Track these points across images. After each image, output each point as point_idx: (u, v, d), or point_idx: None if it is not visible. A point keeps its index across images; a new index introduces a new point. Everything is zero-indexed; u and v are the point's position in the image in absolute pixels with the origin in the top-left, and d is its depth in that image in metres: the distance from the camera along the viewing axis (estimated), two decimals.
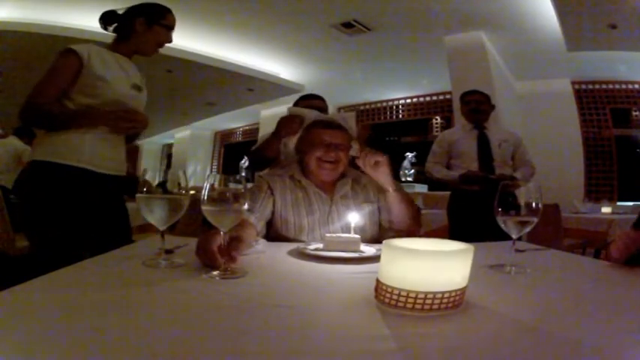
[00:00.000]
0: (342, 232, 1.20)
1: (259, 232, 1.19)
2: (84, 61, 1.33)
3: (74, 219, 1.32)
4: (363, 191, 1.36)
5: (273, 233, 1.29)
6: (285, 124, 1.69)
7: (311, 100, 2.14)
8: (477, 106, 2.62)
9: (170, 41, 1.53)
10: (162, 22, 1.47)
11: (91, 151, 1.35)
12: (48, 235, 1.31)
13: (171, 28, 1.50)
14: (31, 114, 1.32)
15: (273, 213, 1.29)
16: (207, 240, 0.77)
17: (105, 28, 1.49)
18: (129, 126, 1.38)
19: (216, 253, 0.74)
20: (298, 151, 1.40)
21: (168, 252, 0.86)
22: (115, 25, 1.48)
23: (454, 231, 2.62)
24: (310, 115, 1.47)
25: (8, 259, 1.98)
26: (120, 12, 1.48)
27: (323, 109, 2.10)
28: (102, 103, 1.36)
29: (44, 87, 1.31)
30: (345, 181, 1.35)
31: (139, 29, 1.44)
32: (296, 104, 2.20)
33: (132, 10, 1.46)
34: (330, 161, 1.28)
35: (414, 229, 1.31)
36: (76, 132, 1.33)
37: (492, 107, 2.72)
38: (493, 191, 0.87)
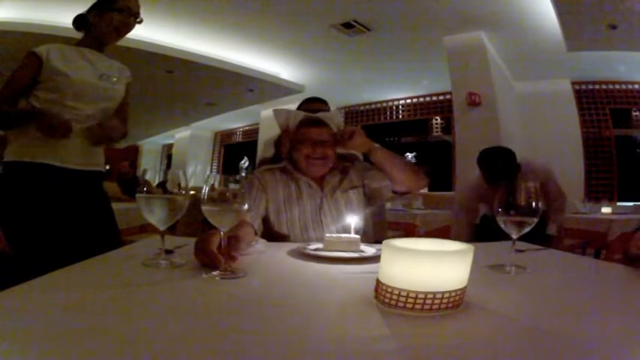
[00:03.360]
0: (335, 226, 1.25)
1: (257, 229, 1.20)
2: (42, 58, 1.37)
3: (43, 218, 1.33)
4: (347, 178, 1.40)
5: (267, 228, 1.31)
6: (283, 142, 1.55)
7: (313, 104, 2.13)
8: (505, 175, 2.21)
9: (129, 23, 1.52)
10: (113, 6, 1.48)
11: (53, 146, 1.36)
12: (19, 235, 1.32)
13: (122, 10, 1.49)
14: None
15: (266, 208, 1.31)
16: (205, 241, 0.77)
17: (78, 30, 1.54)
18: (52, 131, 1.33)
19: (216, 253, 0.74)
20: (289, 148, 1.42)
21: (168, 252, 0.86)
22: (80, 25, 1.53)
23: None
24: (295, 113, 1.45)
25: (8, 259, 1.98)
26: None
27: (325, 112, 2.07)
28: (62, 96, 1.39)
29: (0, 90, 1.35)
30: (334, 173, 1.39)
31: (93, 20, 1.49)
32: (299, 107, 2.19)
33: (90, 7, 1.51)
34: (319, 158, 1.32)
35: (420, 180, 1.35)
36: (30, 130, 1.33)
37: (518, 168, 2.30)
38: None
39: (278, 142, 1.57)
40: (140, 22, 1.56)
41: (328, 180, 1.36)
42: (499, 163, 2.27)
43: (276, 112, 1.49)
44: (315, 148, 1.31)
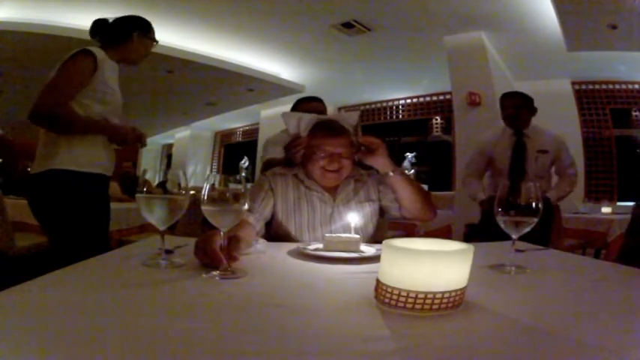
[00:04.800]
0: (343, 233, 1.20)
1: (258, 232, 1.19)
2: (98, 64, 1.38)
3: (90, 218, 1.43)
4: (364, 190, 1.35)
5: (274, 232, 1.29)
6: (293, 150, 1.45)
7: (310, 104, 2.11)
8: (513, 112, 2.42)
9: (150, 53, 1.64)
10: (150, 35, 1.57)
11: (104, 158, 1.47)
12: (69, 234, 1.40)
13: (154, 40, 1.61)
14: (46, 116, 1.32)
15: (273, 212, 1.29)
16: (207, 240, 0.77)
17: (93, 36, 1.54)
18: (131, 143, 1.49)
19: (218, 252, 0.73)
20: (303, 155, 1.36)
21: (168, 252, 0.86)
22: (103, 32, 1.55)
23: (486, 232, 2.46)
24: (307, 118, 1.35)
25: (8, 259, 1.98)
26: (110, 20, 1.56)
27: (322, 112, 2.06)
28: (110, 110, 1.45)
29: (62, 89, 1.32)
30: (348, 182, 1.33)
31: (136, 40, 1.53)
32: (294, 107, 2.17)
33: (127, 21, 1.54)
34: (334, 170, 1.26)
35: (428, 214, 1.29)
36: (91, 143, 1.42)
37: (533, 111, 2.49)
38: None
39: (289, 149, 1.46)
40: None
41: (342, 189, 1.31)
42: (514, 103, 2.45)
43: (286, 115, 1.40)
44: (332, 161, 1.25)
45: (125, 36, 1.52)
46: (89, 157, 1.42)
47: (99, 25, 1.53)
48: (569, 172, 2.47)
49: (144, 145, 1.57)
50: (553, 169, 2.55)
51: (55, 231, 1.43)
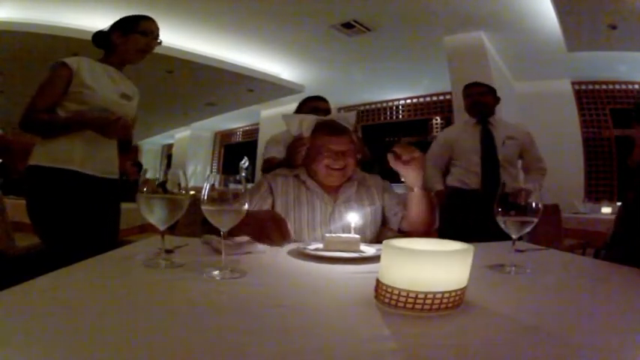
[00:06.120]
0: (344, 232, 1.21)
1: None
2: (73, 71, 1.44)
3: (65, 218, 1.41)
4: (367, 193, 1.36)
5: None
6: (296, 150, 1.43)
7: (317, 102, 2.11)
8: (479, 99, 2.47)
9: (152, 45, 1.60)
10: (136, 29, 1.55)
11: (80, 154, 1.46)
12: (48, 232, 1.43)
13: (146, 33, 1.57)
14: (28, 124, 1.44)
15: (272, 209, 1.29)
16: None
17: (100, 47, 1.60)
18: (115, 132, 1.47)
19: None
20: (306, 156, 1.38)
21: (168, 252, 0.86)
22: (102, 41, 1.60)
23: (448, 230, 2.52)
24: (309, 119, 1.36)
25: (8, 259, 1.98)
26: (106, 30, 1.59)
27: (328, 110, 2.07)
28: (89, 109, 1.46)
29: (38, 99, 1.42)
30: (351, 184, 1.34)
31: (117, 41, 1.55)
32: (301, 105, 2.17)
33: (111, 26, 1.57)
34: (339, 168, 1.28)
35: (428, 229, 1.29)
36: (67, 138, 1.44)
37: (497, 100, 2.54)
38: (493, 190, 0.87)
39: (292, 149, 1.45)
40: (160, 43, 1.62)
41: (344, 190, 1.32)
42: (480, 90, 2.54)
43: (287, 117, 1.41)
44: (337, 159, 1.27)
45: (109, 40, 1.56)
46: (61, 152, 1.43)
47: (96, 36, 1.60)
48: (540, 166, 2.50)
49: (126, 136, 1.54)
50: (520, 165, 2.56)
51: (35, 227, 1.47)
